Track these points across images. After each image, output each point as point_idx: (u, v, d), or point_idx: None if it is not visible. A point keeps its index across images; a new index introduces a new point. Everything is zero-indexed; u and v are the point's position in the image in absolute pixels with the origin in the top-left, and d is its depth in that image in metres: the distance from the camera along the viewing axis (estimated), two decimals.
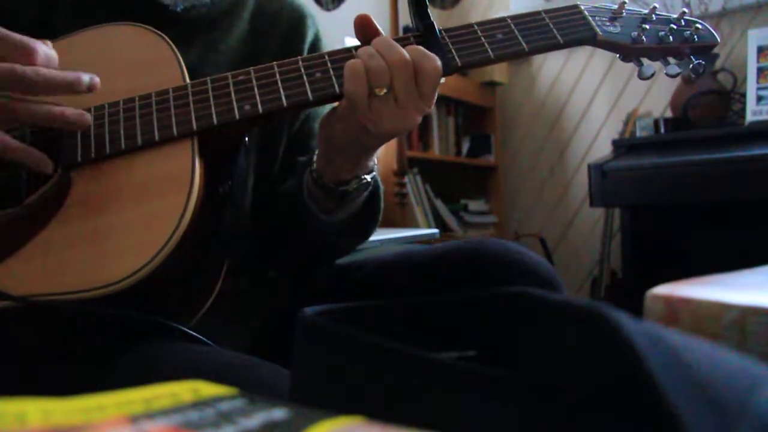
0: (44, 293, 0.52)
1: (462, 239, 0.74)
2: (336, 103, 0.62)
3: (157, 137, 0.57)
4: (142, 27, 0.63)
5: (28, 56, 0.53)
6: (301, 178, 0.68)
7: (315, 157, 0.67)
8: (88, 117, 0.56)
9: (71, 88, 0.54)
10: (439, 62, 0.59)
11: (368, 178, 0.66)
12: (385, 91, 0.57)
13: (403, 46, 0.59)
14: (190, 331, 0.55)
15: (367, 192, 0.68)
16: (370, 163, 0.66)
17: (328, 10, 2.14)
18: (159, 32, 0.63)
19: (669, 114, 2.22)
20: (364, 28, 0.61)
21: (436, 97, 0.60)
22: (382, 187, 0.72)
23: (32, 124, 0.57)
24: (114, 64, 0.62)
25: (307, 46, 0.79)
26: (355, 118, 0.58)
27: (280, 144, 0.78)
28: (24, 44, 0.53)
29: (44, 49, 0.54)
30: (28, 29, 0.67)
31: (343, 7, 2.11)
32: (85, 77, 0.55)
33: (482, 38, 0.62)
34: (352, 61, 0.58)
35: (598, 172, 1.95)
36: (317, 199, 0.67)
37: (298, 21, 0.79)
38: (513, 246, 0.67)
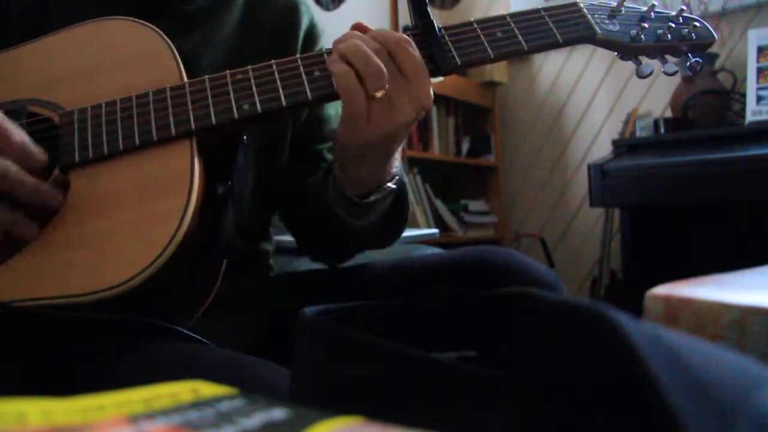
0: (45, 297, 0.52)
1: (461, 248, 0.74)
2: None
3: (155, 137, 0.56)
4: (136, 21, 0.63)
5: (27, 159, 0.54)
6: (326, 187, 0.68)
7: (335, 171, 0.66)
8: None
9: (33, 200, 0.55)
10: (404, 36, 0.58)
11: (392, 185, 0.65)
12: (382, 92, 0.56)
13: None
14: (189, 332, 0.55)
15: (392, 197, 0.67)
16: (393, 170, 0.65)
17: (328, 10, 2.14)
18: (152, 26, 0.62)
19: (669, 114, 2.22)
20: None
21: (430, 90, 0.58)
22: (409, 192, 0.71)
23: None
24: (109, 61, 0.62)
25: (302, 33, 0.78)
26: (353, 125, 0.57)
27: (285, 141, 0.78)
28: (24, 146, 0.54)
29: (41, 156, 0.55)
30: (24, 14, 0.68)
31: (343, 6, 2.11)
32: (47, 194, 0.55)
33: (482, 37, 0.62)
34: (337, 67, 0.57)
35: (598, 172, 1.95)
36: (345, 209, 0.67)
37: (291, 9, 0.78)
38: (515, 256, 0.67)
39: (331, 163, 0.68)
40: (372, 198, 0.64)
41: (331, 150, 0.79)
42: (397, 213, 0.71)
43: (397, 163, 0.65)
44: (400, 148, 0.63)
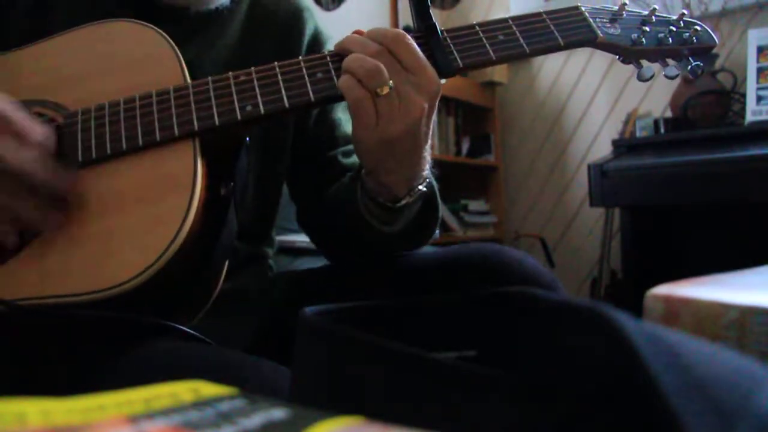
0: (46, 296, 0.52)
1: (460, 242, 0.74)
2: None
3: (158, 137, 0.57)
4: (141, 24, 0.63)
5: (23, 142, 0.52)
6: (354, 195, 0.67)
7: (363, 178, 0.65)
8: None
9: (51, 191, 0.54)
10: (399, 31, 0.59)
11: (422, 188, 0.65)
12: (386, 89, 0.56)
13: None
14: (191, 331, 0.55)
15: (422, 200, 0.67)
16: (424, 172, 0.64)
17: (328, 10, 2.14)
18: (158, 29, 0.62)
19: (669, 114, 2.22)
20: None
21: (435, 76, 0.59)
22: (438, 195, 0.71)
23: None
24: (113, 62, 0.62)
25: (306, 40, 0.78)
26: (362, 124, 0.57)
27: (287, 141, 0.77)
28: (22, 130, 0.53)
29: (39, 139, 0.54)
30: (25, 13, 0.68)
31: (343, 7, 2.11)
32: (64, 185, 0.55)
33: (484, 39, 0.62)
34: (343, 77, 0.57)
35: (598, 172, 1.95)
36: (376, 215, 0.66)
37: (294, 16, 0.78)
38: (511, 253, 0.67)
39: (357, 170, 0.67)
40: (403, 202, 0.63)
41: (346, 155, 0.79)
42: (427, 217, 0.70)
43: (427, 166, 0.65)
44: (428, 148, 0.63)
